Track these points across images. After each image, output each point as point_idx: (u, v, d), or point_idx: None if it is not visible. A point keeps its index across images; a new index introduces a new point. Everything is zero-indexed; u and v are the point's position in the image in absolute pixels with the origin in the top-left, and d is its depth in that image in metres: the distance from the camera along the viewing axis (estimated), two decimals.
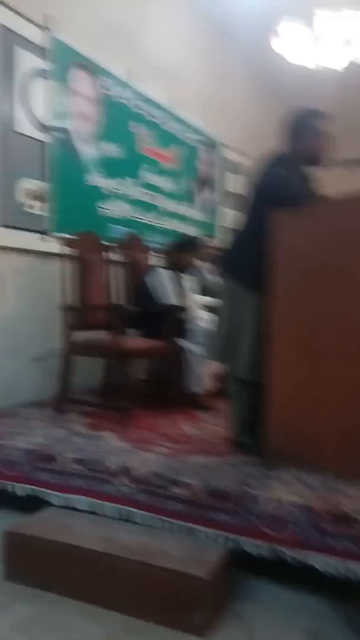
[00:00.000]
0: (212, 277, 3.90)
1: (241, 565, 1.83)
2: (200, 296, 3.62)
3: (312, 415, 2.02)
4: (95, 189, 3.69)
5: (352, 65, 4.05)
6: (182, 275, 3.52)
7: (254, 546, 1.78)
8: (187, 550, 1.78)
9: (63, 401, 2.92)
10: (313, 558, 1.68)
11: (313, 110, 2.26)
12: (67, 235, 3.08)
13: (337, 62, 3.96)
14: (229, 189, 5.59)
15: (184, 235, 3.78)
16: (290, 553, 1.72)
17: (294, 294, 2.06)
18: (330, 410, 1.99)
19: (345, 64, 4.00)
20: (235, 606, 1.73)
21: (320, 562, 1.66)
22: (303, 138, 2.22)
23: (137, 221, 4.15)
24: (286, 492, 1.83)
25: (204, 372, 3.24)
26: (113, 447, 2.32)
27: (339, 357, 1.97)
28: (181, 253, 3.50)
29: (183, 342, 3.28)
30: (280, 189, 2.08)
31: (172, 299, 3.30)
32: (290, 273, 2.07)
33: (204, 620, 1.61)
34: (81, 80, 3.52)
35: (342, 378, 1.96)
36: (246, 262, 2.25)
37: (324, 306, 2.00)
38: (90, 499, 2.09)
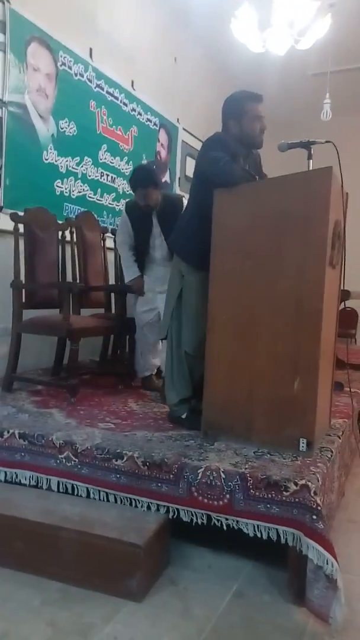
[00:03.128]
0: None
1: (179, 534, 1.89)
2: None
3: (245, 388, 2.10)
4: (52, 166, 3.65)
5: (293, 50, 4.04)
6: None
7: (190, 514, 1.84)
8: (126, 520, 1.82)
9: (12, 379, 2.90)
10: (245, 523, 1.75)
11: (250, 94, 2.28)
12: (18, 212, 3.01)
13: (281, 46, 3.94)
14: (187, 174, 5.59)
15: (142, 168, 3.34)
16: (223, 519, 1.79)
17: (232, 274, 2.12)
18: (260, 383, 2.07)
19: (287, 48, 3.98)
20: (171, 572, 1.79)
21: (251, 527, 1.74)
22: (240, 122, 2.25)
23: (95, 202, 4.12)
24: (221, 462, 1.89)
25: (155, 354, 3.26)
26: (59, 423, 2.33)
27: (269, 333, 2.05)
28: (147, 189, 3.00)
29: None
30: (218, 171, 2.09)
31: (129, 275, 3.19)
32: (230, 254, 2.12)
33: (140, 586, 1.65)
34: (40, 56, 3.46)
35: (271, 353, 2.05)
36: (193, 244, 2.29)
37: (258, 285, 2.07)
38: (35, 473, 2.11)
